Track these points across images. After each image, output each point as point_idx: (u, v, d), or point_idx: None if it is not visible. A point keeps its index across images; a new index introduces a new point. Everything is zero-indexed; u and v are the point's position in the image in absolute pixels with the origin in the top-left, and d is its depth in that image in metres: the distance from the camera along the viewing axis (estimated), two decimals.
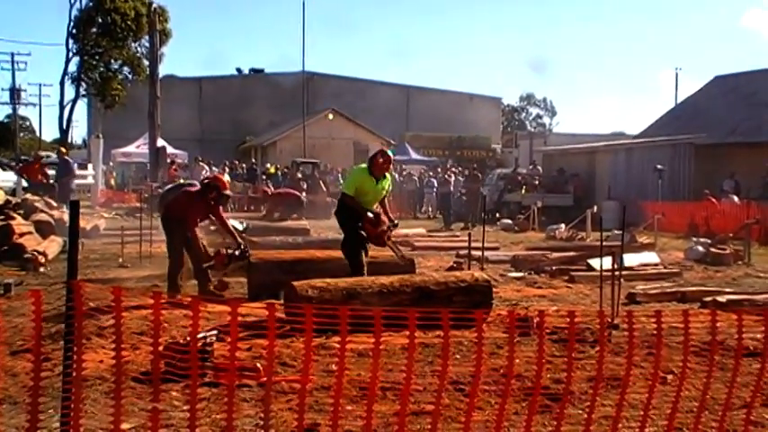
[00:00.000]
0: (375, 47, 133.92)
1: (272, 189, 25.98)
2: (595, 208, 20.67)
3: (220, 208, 9.83)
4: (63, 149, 27.74)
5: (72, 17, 45.79)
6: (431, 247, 15.88)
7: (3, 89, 66.71)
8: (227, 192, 10.18)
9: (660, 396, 4.62)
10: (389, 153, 9.39)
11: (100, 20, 45.18)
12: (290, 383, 5.37)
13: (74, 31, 45.89)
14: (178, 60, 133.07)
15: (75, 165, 25.91)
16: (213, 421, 4.66)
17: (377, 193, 8.97)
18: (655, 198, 22.60)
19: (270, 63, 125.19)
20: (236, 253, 9.45)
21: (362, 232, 8.76)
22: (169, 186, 13.75)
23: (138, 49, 47.12)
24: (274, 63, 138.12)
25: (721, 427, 4.31)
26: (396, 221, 9.39)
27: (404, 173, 33.84)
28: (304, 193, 25.15)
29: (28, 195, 18.91)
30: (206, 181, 10.12)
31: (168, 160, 31.94)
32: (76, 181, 27.15)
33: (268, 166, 36.79)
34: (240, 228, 12.33)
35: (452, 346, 6.03)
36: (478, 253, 12.38)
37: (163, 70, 36.41)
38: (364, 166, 9.09)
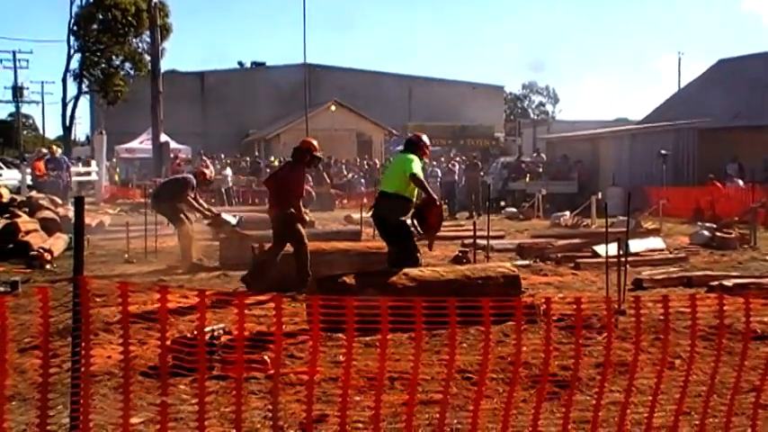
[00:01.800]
0: (376, 38, 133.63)
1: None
2: (600, 195, 20.65)
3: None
4: (54, 147, 27.80)
5: (73, 14, 45.78)
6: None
7: (5, 87, 66.64)
8: (319, 153, 10.44)
9: (668, 381, 4.61)
10: None
11: (100, 16, 45.11)
12: (297, 375, 5.38)
13: (75, 27, 45.84)
14: (179, 55, 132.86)
15: (68, 162, 26.09)
16: (222, 414, 4.67)
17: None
18: (659, 183, 22.54)
19: (271, 56, 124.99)
20: None
21: (414, 220, 8.40)
22: (164, 180, 13.89)
23: (140, 44, 47.06)
24: (276, 56, 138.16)
25: (730, 411, 4.30)
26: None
27: None
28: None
29: (33, 193, 18.96)
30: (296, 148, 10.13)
31: (171, 155, 31.95)
32: (76, 178, 27.25)
33: (272, 159, 36.75)
34: (233, 221, 12.36)
35: (459, 335, 6.03)
36: (484, 242, 12.37)
37: (164, 65, 36.34)
38: (406, 155, 8.65)
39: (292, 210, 9.34)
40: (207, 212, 12.48)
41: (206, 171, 13.16)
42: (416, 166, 8.33)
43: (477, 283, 7.68)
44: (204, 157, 31.37)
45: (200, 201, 12.44)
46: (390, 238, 8.59)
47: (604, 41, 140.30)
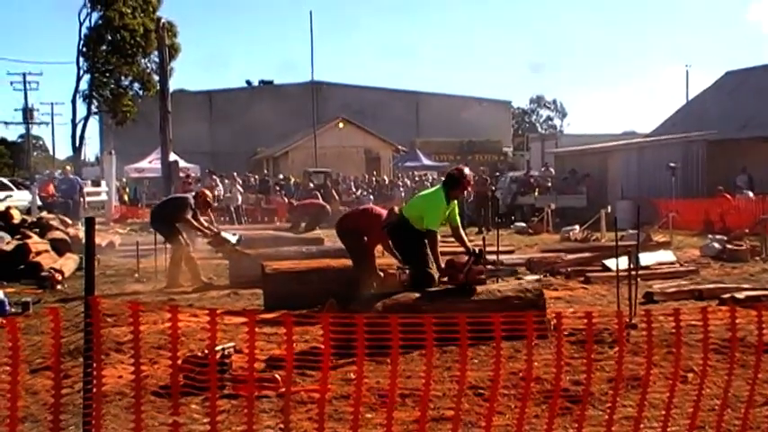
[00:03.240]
0: (382, 54, 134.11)
1: (296, 200, 25.72)
2: (609, 208, 20.60)
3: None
4: (67, 168, 27.97)
5: (82, 35, 46.09)
6: (445, 253, 15.74)
7: (15, 109, 67.02)
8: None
9: (681, 395, 4.59)
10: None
11: (109, 37, 45.41)
12: (308, 393, 5.37)
13: (84, 49, 46.15)
14: (188, 74, 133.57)
15: (82, 183, 26.26)
16: None
17: (444, 218, 8.30)
18: (668, 196, 22.49)
19: (279, 74, 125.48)
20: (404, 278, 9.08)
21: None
22: (163, 200, 13.91)
23: (148, 64, 47.33)
24: (283, 73, 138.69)
25: (744, 425, 4.27)
26: (478, 250, 8.22)
27: (416, 179, 33.84)
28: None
29: (43, 213, 19.05)
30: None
31: (182, 174, 32.03)
32: (88, 198, 27.39)
33: (288, 176, 36.66)
34: (233, 240, 12.36)
35: (470, 350, 6.02)
36: (493, 257, 12.35)
37: (173, 85, 36.51)
38: (438, 191, 8.24)
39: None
40: (207, 231, 12.35)
41: (207, 192, 13.06)
42: (437, 213, 8.06)
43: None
44: (213, 176, 31.44)
45: (201, 219, 12.30)
46: (405, 257, 8.50)
47: (612, 55, 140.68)
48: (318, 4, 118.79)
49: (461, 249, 8.44)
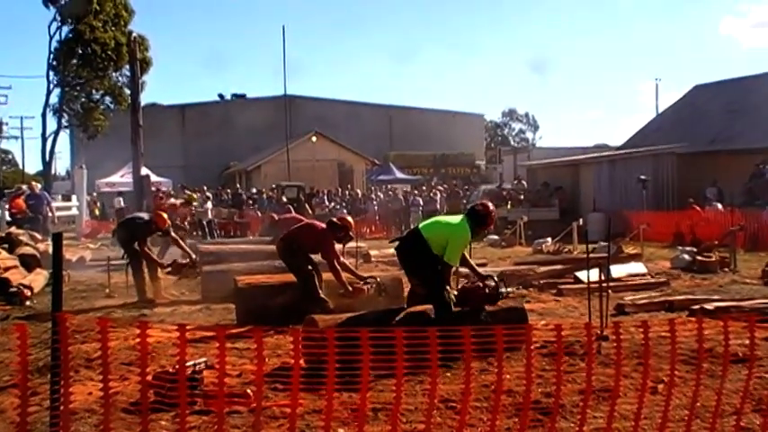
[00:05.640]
0: (355, 67, 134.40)
1: (276, 215, 25.59)
2: (581, 220, 20.75)
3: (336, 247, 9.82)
4: (34, 183, 27.68)
5: (52, 49, 45.74)
6: None
7: None
8: (352, 234, 10.60)
9: (651, 406, 4.62)
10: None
11: (80, 51, 45.07)
12: (280, 408, 5.34)
13: (54, 62, 45.77)
14: (160, 88, 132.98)
15: (50, 198, 26.01)
16: None
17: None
18: (639, 208, 22.69)
19: (251, 88, 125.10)
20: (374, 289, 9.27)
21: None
22: (127, 218, 13.85)
23: (120, 78, 47.05)
24: (255, 88, 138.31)
25: None
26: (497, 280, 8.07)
27: (389, 192, 33.90)
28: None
29: (12, 229, 18.82)
30: (335, 221, 10.08)
31: (154, 188, 31.82)
32: (59, 213, 27.11)
33: (261, 189, 36.54)
34: (187, 260, 12.60)
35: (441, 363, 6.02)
36: (466, 270, 12.36)
37: (145, 98, 36.40)
38: (464, 223, 7.86)
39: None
40: (160, 262, 12.54)
41: (164, 216, 12.90)
42: (459, 248, 7.82)
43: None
44: (186, 191, 31.30)
45: (150, 250, 12.57)
46: (419, 278, 8.02)
47: (583, 69, 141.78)
48: (291, 17, 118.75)
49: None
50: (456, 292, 7.84)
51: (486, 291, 7.76)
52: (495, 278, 8.02)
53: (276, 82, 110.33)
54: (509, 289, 8.21)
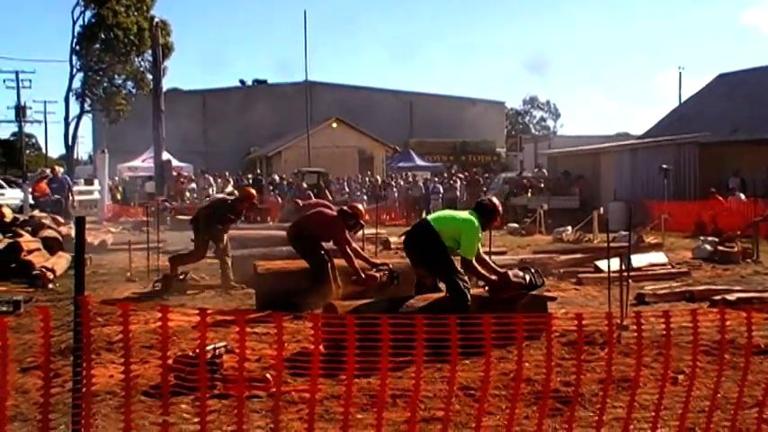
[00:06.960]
0: (377, 54, 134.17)
1: (301, 201, 25.60)
2: (601, 209, 20.62)
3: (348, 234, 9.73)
4: (56, 167, 27.91)
5: (75, 34, 46.03)
6: None
7: (8, 107, 66.80)
8: (363, 222, 10.46)
9: (671, 396, 4.60)
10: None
11: (103, 35, 45.37)
12: (299, 393, 5.37)
13: (77, 47, 46.09)
14: (182, 73, 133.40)
15: (71, 182, 26.24)
16: None
17: None
18: (661, 198, 22.51)
19: (273, 73, 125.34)
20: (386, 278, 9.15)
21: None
22: (210, 201, 13.61)
23: (142, 63, 47.28)
24: (277, 72, 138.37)
25: (733, 427, 4.29)
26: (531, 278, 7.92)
27: (409, 179, 33.88)
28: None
29: (35, 212, 18.99)
30: (346, 209, 10.10)
31: (175, 173, 32.00)
32: (81, 197, 27.34)
33: (281, 175, 36.58)
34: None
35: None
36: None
37: (166, 84, 36.47)
38: (474, 220, 7.76)
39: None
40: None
41: (252, 191, 12.67)
42: (475, 242, 7.72)
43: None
44: (206, 176, 31.45)
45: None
46: (435, 270, 7.94)
47: (606, 57, 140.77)
48: (313, 3, 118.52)
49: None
50: (493, 278, 7.77)
51: (527, 280, 7.73)
52: (533, 270, 7.97)
53: (296, 68, 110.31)
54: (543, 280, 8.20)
